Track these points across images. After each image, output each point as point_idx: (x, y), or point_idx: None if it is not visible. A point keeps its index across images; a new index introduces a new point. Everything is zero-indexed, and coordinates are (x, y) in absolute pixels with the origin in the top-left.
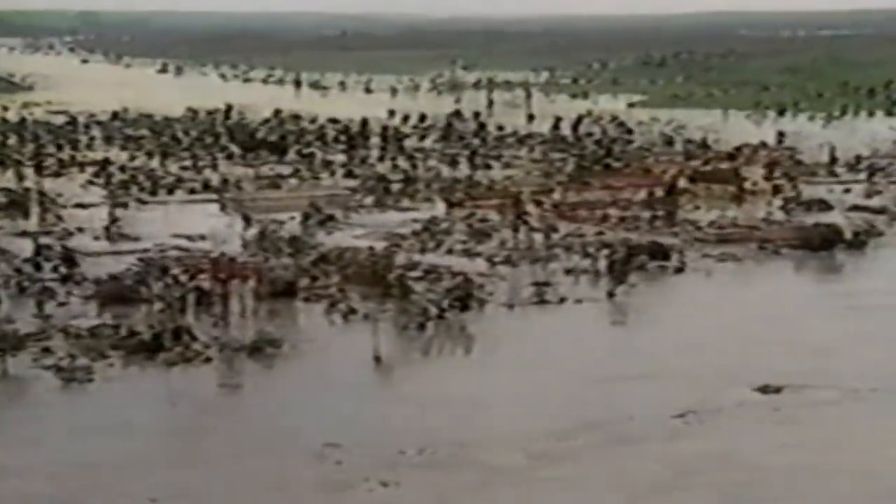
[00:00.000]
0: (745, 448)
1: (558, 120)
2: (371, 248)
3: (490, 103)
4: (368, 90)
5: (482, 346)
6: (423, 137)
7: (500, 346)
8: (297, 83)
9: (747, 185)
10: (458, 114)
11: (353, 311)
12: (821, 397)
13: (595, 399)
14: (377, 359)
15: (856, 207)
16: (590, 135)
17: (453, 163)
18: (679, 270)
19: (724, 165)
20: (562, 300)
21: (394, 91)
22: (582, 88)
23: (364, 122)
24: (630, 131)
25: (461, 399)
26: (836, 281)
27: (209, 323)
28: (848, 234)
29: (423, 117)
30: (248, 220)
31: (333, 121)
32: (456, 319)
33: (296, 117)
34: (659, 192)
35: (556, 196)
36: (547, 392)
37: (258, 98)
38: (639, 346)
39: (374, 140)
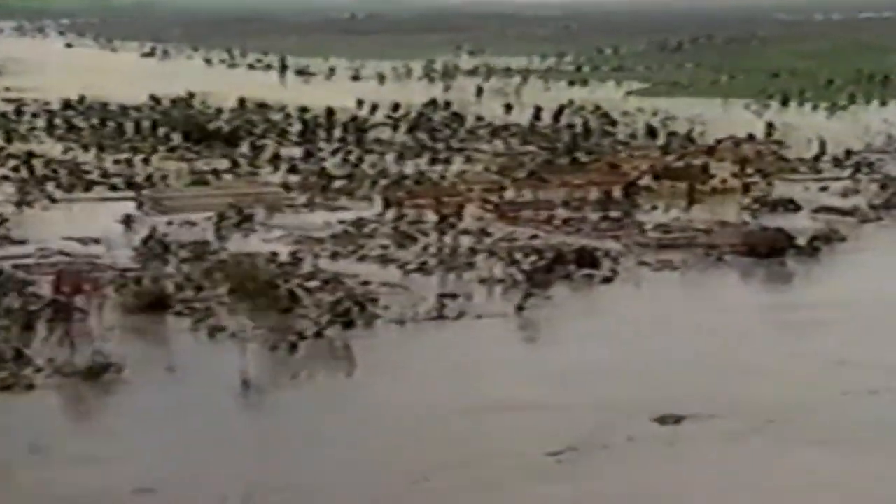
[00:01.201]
0: (615, 494)
1: (539, 110)
2: (274, 255)
3: (479, 91)
4: (356, 77)
5: (352, 371)
6: (394, 128)
7: (373, 372)
8: (283, 69)
9: (715, 182)
10: (434, 103)
11: (220, 328)
12: (726, 429)
13: (464, 433)
14: (238, 384)
15: (825, 209)
16: (571, 126)
17: (411, 157)
18: (607, 280)
19: (698, 161)
20: (461, 315)
21: (382, 78)
22: (583, 76)
23: (329, 113)
24: (614, 122)
25: (307, 436)
26: (780, 292)
27: (54, 342)
28: (803, 240)
29: (395, 106)
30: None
31: (304, 110)
32: (337, 338)
33: (262, 106)
34: (619, 191)
35: (508, 194)
36: (411, 426)
37: (233, 85)
38: (535, 369)
39: (337, 132)
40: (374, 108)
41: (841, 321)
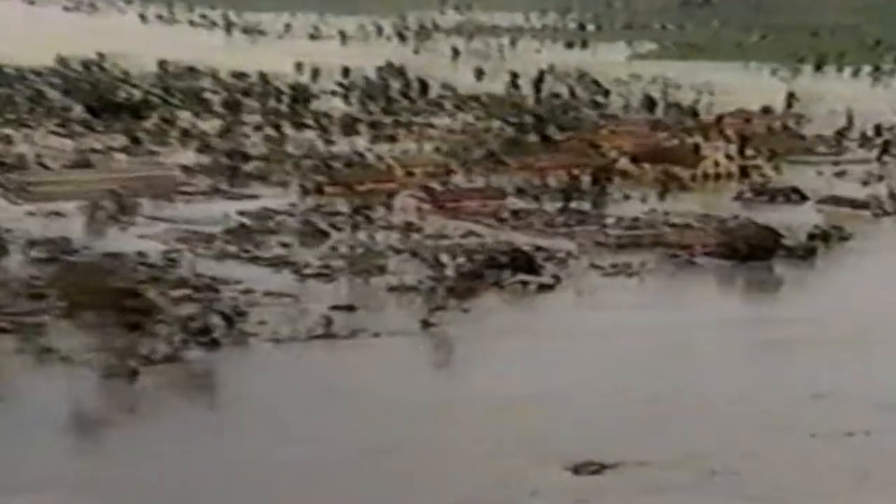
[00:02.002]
0: None
1: (516, 77)
2: (143, 256)
3: (455, 54)
4: (315, 36)
5: (212, 403)
6: (344, 97)
7: (230, 406)
8: (228, 27)
9: (707, 166)
10: (393, 68)
11: (50, 349)
12: (656, 482)
13: (323, 485)
14: (53, 424)
15: (834, 199)
16: (555, 96)
17: (350, 133)
18: (546, 288)
19: (692, 140)
20: (354, 333)
21: (344, 37)
22: (586, 36)
23: (264, 79)
24: (606, 92)
25: (133, 492)
26: (757, 305)
27: None
28: (795, 239)
29: (346, 71)
30: None
31: (239, 76)
32: (196, 361)
33: (190, 71)
34: (589, 176)
35: (456, 180)
36: (262, 479)
37: (163, 45)
38: (427, 403)
39: (271, 103)
40: (315, 73)
41: (826, 342)
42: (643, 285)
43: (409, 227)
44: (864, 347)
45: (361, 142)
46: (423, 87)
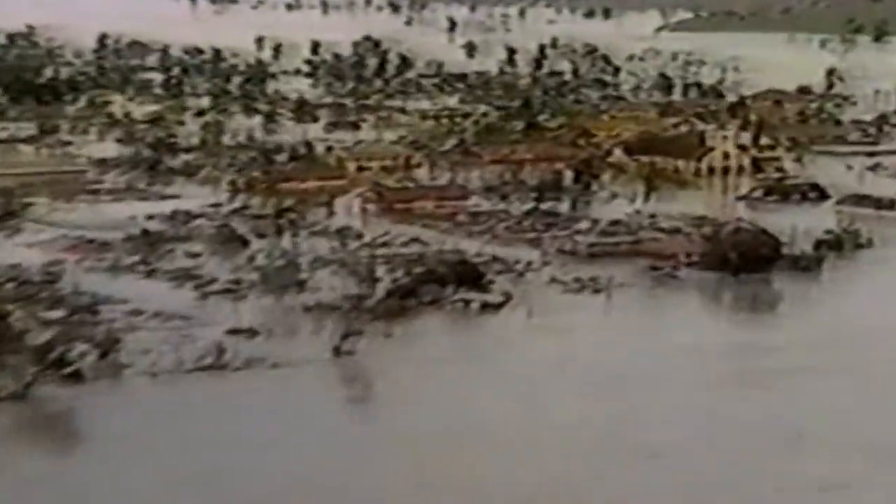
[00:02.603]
0: None
1: (512, 53)
2: (14, 269)
3: (452, 26)
4: (291, 6)
5: (53, 452)
6: (309, 76)
7: (85, 455)
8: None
9: (712, 159)
10: (370, 43)
11: None
12: None
13: None
14: None
15: (858, 198)
16: (554, 74)
17: (306, 120)
18: (492, 307)
19: (707, 126)
20: (250, 363)
21: (325, 7)
22: (612, 3)
23: (217, 56)
24: (616, 70)
25: None
26: (744, 328)
27: None
28: (799, 247)
29: (315, 47)
30: None
31: (193, 52)
32: (51, 398)
33: (134, 46)
34: (571, 171)
35: (420, 174)
36: None
37: (112, 14)
38: (323, 451)
39: (223, 84)
40: (277, 49)
41: (820, 372)
42: (610, 303)
43: (345, 234)
44: (865, 379)
45: (315, 130)
46: (404, 64)
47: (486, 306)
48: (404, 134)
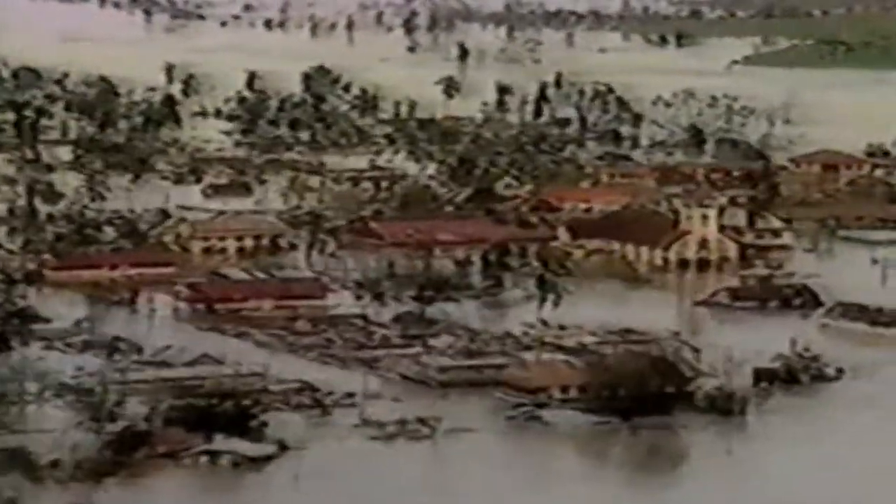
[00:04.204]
0: None
1: (504, 92)
2: None
3: (463, 54)
4: (271, 23)
5: None
6: (231, 118)
7: None
8: (148, 7)
9: (684, 247)
10: (322, 75)
11: None
12: None
13: None
14: None
15: (853, 309)
16: (556, 123)
17: (183, 180)
18: (254, 463)
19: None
20: None
21: (314, 27)
22: (698, 26)
23: (107, 91)
24: (637, 117)
25: None
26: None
27: None
28: (729, 381)
29: (250, 79)
30: None
31: (93, 83)
32: None
33: (25, 72)
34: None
35: (292, 258)
36: None
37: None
38: None
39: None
40: (187, 82)
41: None
42: (436, 456)
43: (115, 346)
44: None
45: (191, 194)
46: (364, 105)
47: (239, 463)
48: (298, 203)
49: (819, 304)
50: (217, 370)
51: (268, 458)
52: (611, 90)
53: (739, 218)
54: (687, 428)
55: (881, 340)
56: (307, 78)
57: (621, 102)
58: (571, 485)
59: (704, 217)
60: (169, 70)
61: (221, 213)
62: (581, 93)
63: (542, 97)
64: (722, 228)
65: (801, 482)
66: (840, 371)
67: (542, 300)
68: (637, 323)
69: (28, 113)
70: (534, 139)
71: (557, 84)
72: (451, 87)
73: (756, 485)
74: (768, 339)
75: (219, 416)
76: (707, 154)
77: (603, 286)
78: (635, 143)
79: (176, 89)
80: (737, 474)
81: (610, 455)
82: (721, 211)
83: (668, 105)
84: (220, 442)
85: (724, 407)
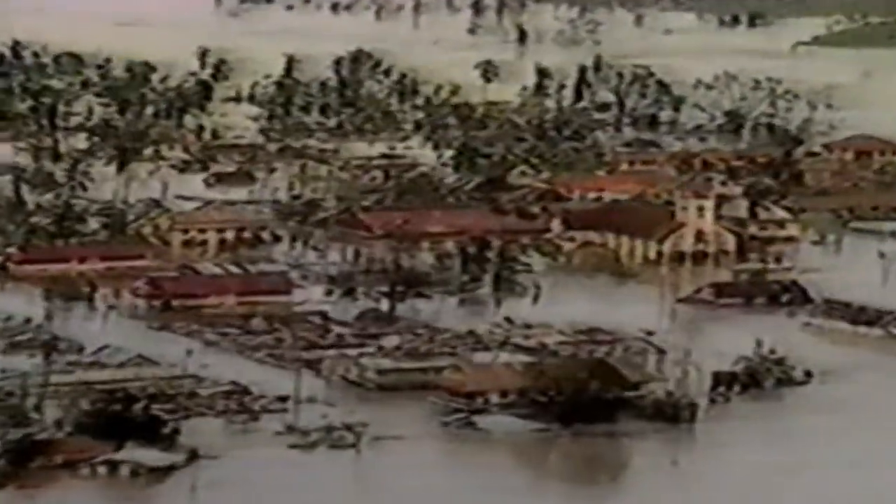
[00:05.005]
0: None
1: (543, 76)
2: None
3: (522, 37)
4: (337, 6)
5: None
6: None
7: None
8: None
9: (680, 240)
10: (362, 59)
11: None
12: None
13: None
14: None
15: (832, 307)
16: (596, 108)
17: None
18: (154, 474)
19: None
20: None
21: (379, 9)
22: (772, 7)
23: (144, 75)
24: (678, 102)
25: None
26: None
27: None
28: (683, 386)
29: (289, 64)
30: None
31: (142, 66)
32: None
33: (67, 57)
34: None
35: (274, 251)
36: None
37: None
38: None
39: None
40: (218, 67)
41: None
42: (358, 465)
43: (53, 345)
44: None
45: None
46: (403, 91)
47: (138, 473)
48: (300, 192)
49: (808, 300)
50: (149, 372)
51: (171, 468)
52: (651, 73)
53: (741, 209)
54: (631, 436)
55: (861, 341)
56: (339, 62)
57: (661, 85)
58: (504, 495)
59: (700, 208)
60: (203, 55)
61: (209, 203)
62: (620, 76)
63: (583, 81)
64: (720, 219)
65: (752, 493)
66: (808, 374)
67: (498, 302)
68: (613, 321)
69: (45, 99)
70: (556, 125)
71: (597, 67)
72: (488, 71)
73: (701, 496)
74: (745, 339)
75: (128, 422)
76: (743, 140)
77: (590, 281)
78: (673, 127)
79: (207, 74)
80: (681, 484)
81: (548, 464)
82: (721, 201)
83: (709, 88)
84: (125, 451)
85: (672, 414)
